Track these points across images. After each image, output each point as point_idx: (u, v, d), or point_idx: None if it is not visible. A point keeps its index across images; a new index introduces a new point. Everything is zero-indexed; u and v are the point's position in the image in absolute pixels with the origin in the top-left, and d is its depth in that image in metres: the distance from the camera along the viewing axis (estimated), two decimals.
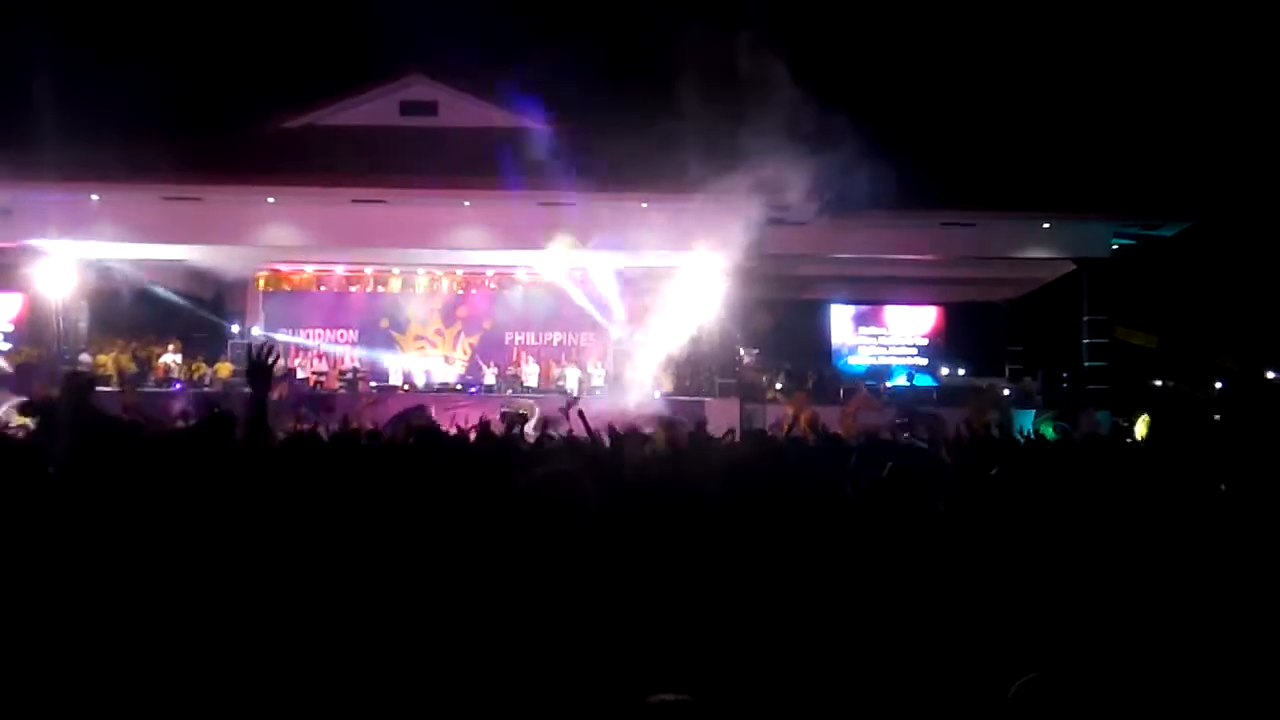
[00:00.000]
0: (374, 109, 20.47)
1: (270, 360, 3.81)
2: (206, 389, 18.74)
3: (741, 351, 19.83)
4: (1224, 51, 26.74)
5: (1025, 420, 17.72)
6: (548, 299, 21.76)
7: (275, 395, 13.76)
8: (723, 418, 15.31)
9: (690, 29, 15.76)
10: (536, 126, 19.63)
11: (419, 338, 21.90)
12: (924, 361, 23.38)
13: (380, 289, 22.16)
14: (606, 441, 6.26)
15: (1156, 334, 22.10)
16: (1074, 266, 19.89)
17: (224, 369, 19.93)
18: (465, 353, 21.77)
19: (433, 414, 17.03)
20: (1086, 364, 19.84)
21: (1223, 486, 5.26)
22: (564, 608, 2.77)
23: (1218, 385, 23.43)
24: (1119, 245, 19.74)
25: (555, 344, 21.84)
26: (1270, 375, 24.90)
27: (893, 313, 23.68)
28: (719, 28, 15.61)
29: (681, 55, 15.82)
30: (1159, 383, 23.84)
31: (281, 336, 21.63)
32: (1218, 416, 16.25)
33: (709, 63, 15.62)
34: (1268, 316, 26.62)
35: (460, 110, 20.30)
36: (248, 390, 3.81)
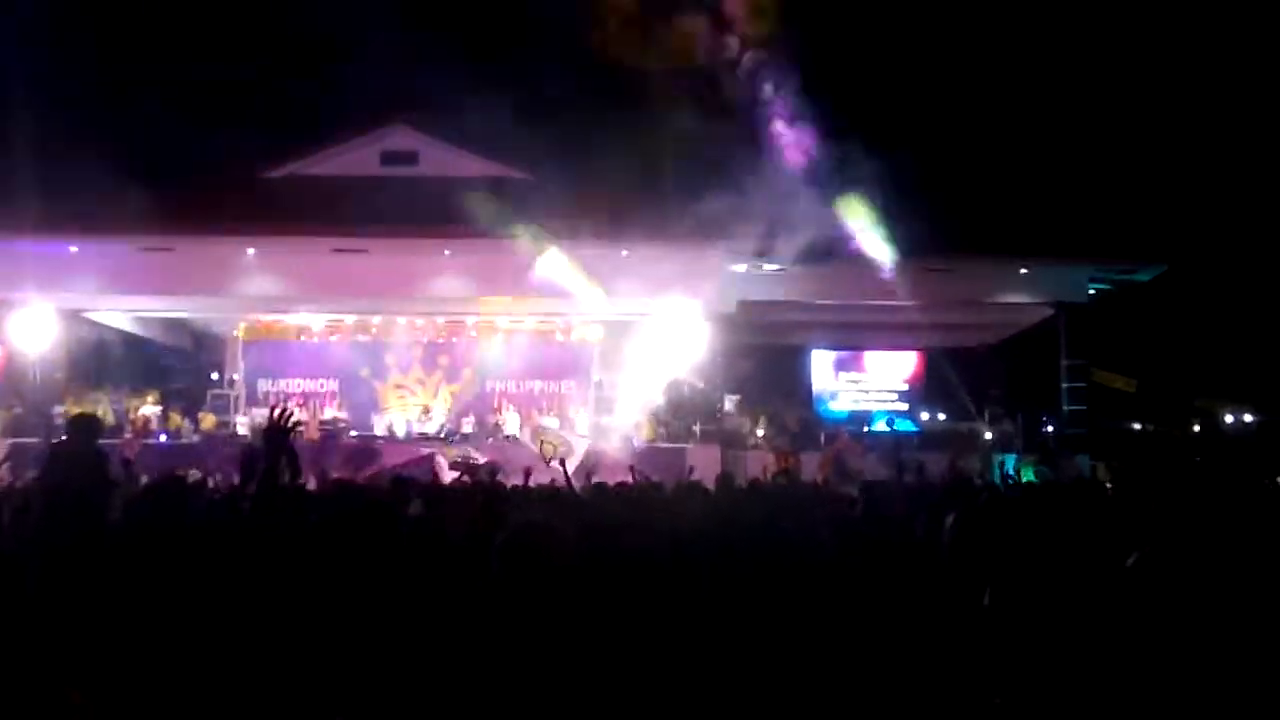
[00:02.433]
0: (354, 159, 20.51)
1: (289, 424, 3.94)
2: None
3: (723, 398, 19.83)
4: (1197, 99, 27.10)
5: (1006, 465, 17.75)
6: (528, 347, 21.78)
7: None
8: (704, 465, 15.26)
9: (668, 78, 15.91)
10: (517, 175, 19.73)
11: (399, 386, 21.81)
12: (904, 406, 23.41)
13: (360, 338, 22.10)
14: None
15: (1135, 378, 22.20)
16: (1052, 311, 20.02)
17: (207, 420, 19.82)
18: (446, 401, 21.69)
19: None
20: (1066, 408, 19.92)
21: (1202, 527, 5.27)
22: (547, 672, 2.74)
23: (1195, 428, 23.57)
24: (1096, 290, 19.90)
25: (536, 392, 21.79)
26: (1247, 418, 25.06)
27: (873, 358, 23.74)
28: (697, 76, 15.77)
29: (661, 105, 15.96)
30: (1138, 426, 23.96)
31: (261, 386, 21.63)
32: (1196, 458, 16.32)
33: (688, 112, 15.76)
34: (1243, 359, 26.83)
35: (440, 160, 20.36)
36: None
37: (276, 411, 4.01)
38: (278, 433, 3.93)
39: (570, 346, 22.08)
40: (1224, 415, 25.31)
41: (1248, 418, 25.13)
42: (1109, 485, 11.53)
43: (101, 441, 7.61)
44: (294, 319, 21.82)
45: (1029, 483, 12.78)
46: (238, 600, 3.30)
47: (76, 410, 19.09)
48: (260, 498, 3.84)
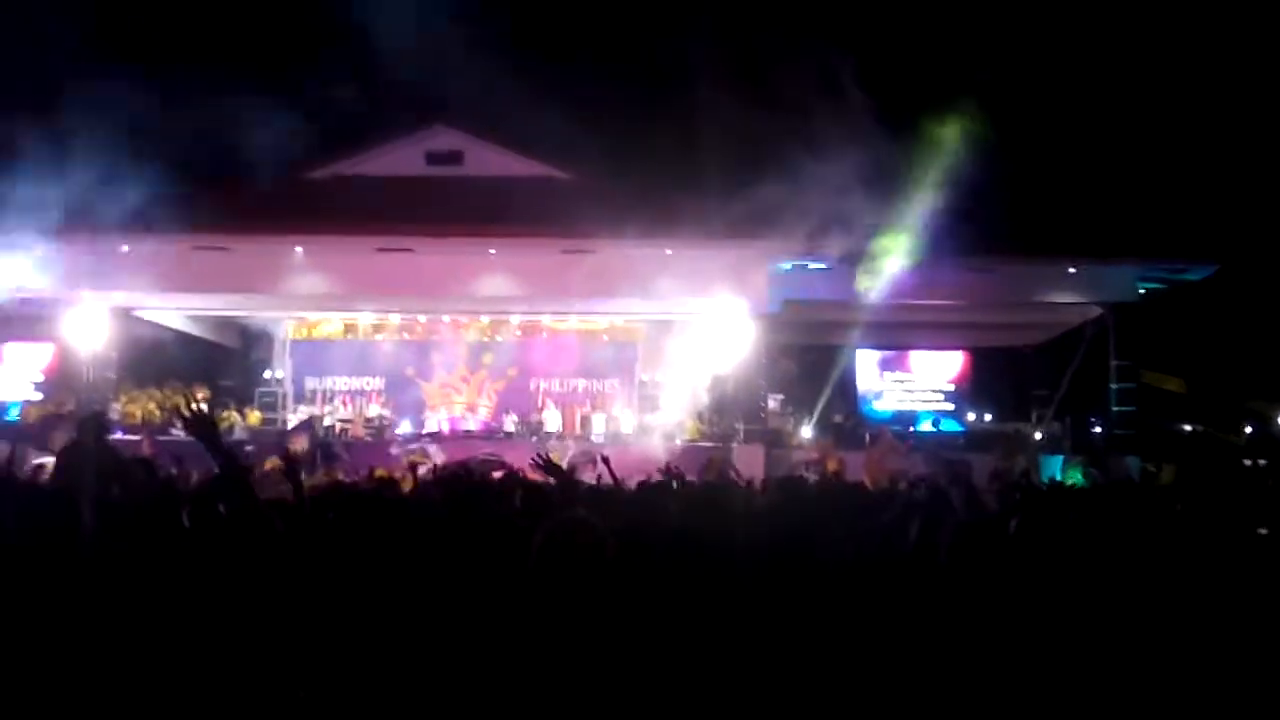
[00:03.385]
0: (400, 159, 20.64)
1: (205, 411, 3.89)
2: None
3: (766, 397, 19.77)
4: (1249, 98, 26.69)
5: (1053, 466, 17.57)
6: (573, 346, 21.87)
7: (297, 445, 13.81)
8: (748, 464, 15.22)
9: (713, 74, 15.90)
10: (561, 174, 19.79)
11: (444, 385, 21.97)
12: (950, 407, 23.22)
13: (406, 336, 22.28)
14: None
15: (1185, 379, 21.88)
16: (1101, 311, 19.78)
17: (254, 417, 20.07)
18: (490, 400, 21.82)
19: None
20: (1114, 409, 19.66)
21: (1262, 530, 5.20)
22: (585, 672, 2.75)
23: (1247, 430, 23.18)
24: (1146, 289, 19.63)
25: (580, 390, 21.86)
26: None
27: (918, 358, 23.56)
28: (740, 73, 15.74)
29: (705, 102, 15.95)
30: (1188, 428, 23.62)
31: (308, 384, 21.89)
32: (1248, 461, 16.07)
33: (732, 109, 15.74)
34: None
35: (485, 159, 20.45)
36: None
37: (189, 403, 3.93)
38: (201, 426, 3.88)
39: (615, 345, 22.13)
40: (1277, 417, 24.86)
41: None
42: (1168, 487, 11.35)
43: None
44: (341, 317, 22.03)
45: (1076, 485, 12.63)
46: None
47: (129, 406, 19.51)
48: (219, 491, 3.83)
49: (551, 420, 20.55)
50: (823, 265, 18.31)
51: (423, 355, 22.20)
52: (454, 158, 20.64)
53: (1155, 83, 25.84)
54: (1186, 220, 19.36)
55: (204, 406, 3.92)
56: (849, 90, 15.85)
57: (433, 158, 20.70)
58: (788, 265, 18.57)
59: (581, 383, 21.96)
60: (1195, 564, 4.44)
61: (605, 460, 7.77)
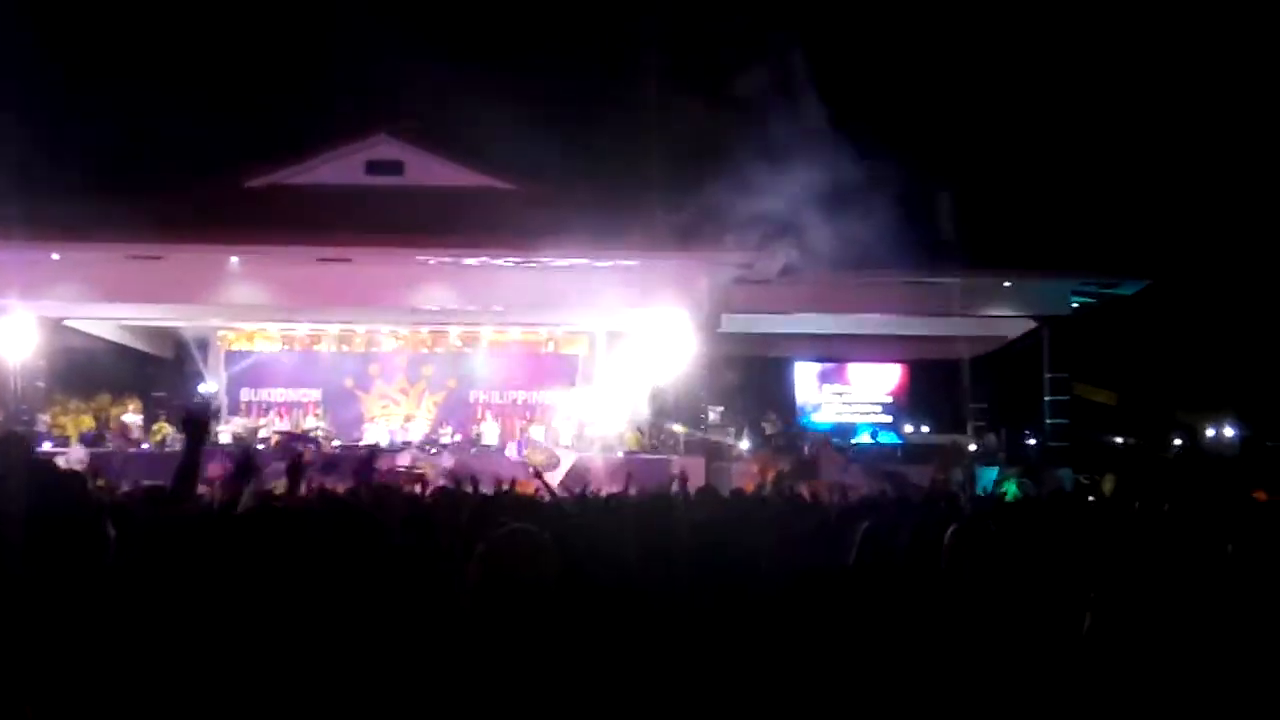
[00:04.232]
0: (340, 168, 20.45)
1: (210, 414, 3.87)
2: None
3: (707, 409, 19.82)
4: (1178, 114, 27.28)
5: (989, 478, 17.80)
6: (513, 358, 21.79)
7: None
8: (689, 476, 15.24)
9: (657, 86, 15.95)
10: (503, 185, 19.73)
11: (383, 397, 21.78)
12: (888, 419, 23.46)
13: (345, 348, 22.06)
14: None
15: (1116, 391, 22.29)
16: (1035, 324, 20.09)
17: None
18: (430, 412, 21.67)
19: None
20: (1048, 421, 19.97)
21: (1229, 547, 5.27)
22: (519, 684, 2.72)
23: (1176, 441, 23.67)
24: (1079, 303, 19.97)
25: (520, 403, 21.79)
26: (1228, 432, 25.14)
27: (857, 370, 23.78)
28: (685, 85, 15.79)
29: (648, 113, 15.99)
30: (1119, 440, 24.05)
31: (244, 395, 21.60)
32: (1176, 472, 16.39)
33: (676, 121, 15.79)
34: (1224, 373, 26.97)
35: (427, 170, 20.32)
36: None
37: (194, 404, 3.94)
38: (198, 424, 3.83)
39: (556, 357, 22.10)
40: (1205, 429, 25.43)
41: (1229, 432, 25.26)
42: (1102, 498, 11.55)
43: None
44: (278, 329, 21.78)
45: (1004, 495, 12.80)
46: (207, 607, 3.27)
47: (60, 417, 19.14)
48: (179, 496, 3.78)
49: (490, 432, 20.46)
50: (763, 278, 18.40)
51: (361, 367, 22.01)
52: (395, 168, 20.50)
53: (1088, 101, 26.34)
54: (1118, 235, 19.74)
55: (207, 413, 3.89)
56: (793, 103, 15.98)
57: (373, 167, 20.54)
58: (729, 278, 18.64)
59: (521, 395, 21.89)
60: (1129, 571, 4.51)
61: (538, 474, 7.76)
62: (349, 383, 21.81)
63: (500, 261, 17.99)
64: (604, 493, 8.96)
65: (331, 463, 16.79)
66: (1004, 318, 20.23)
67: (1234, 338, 27.34)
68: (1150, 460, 21.47)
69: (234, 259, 18.12)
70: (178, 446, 18.56)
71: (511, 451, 19.07)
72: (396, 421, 21.22)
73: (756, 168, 15.61)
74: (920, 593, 4.51)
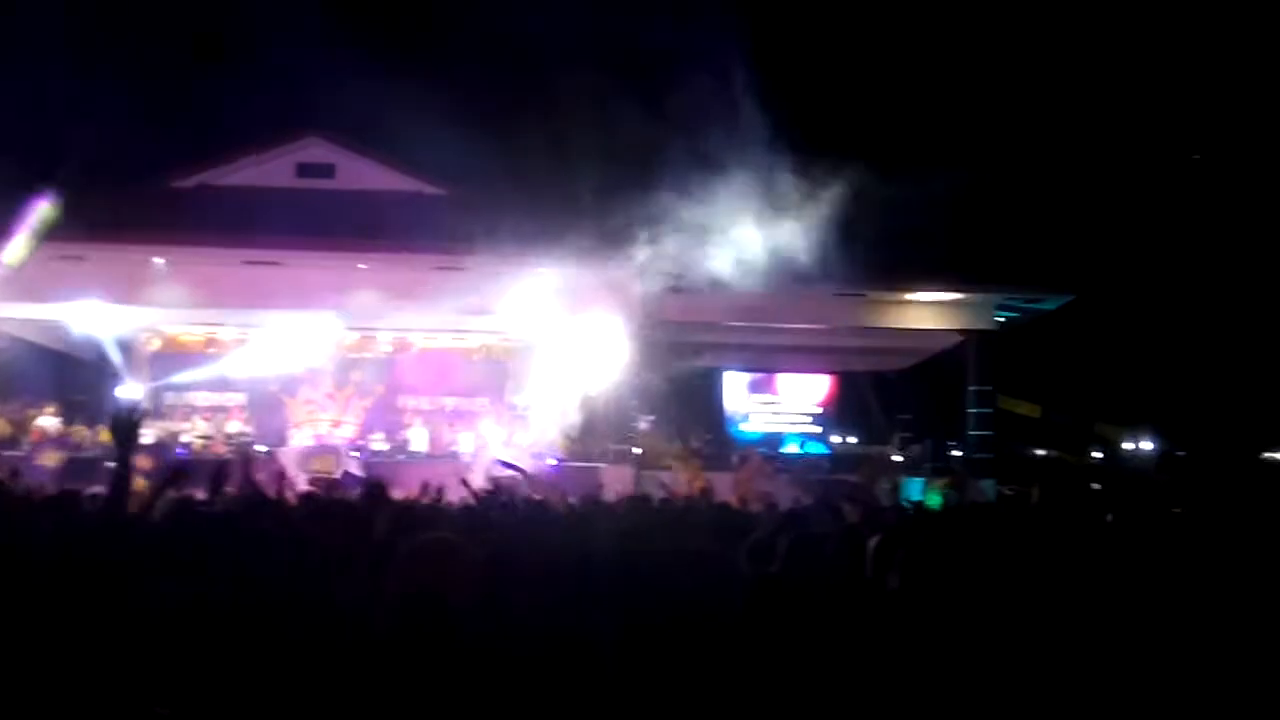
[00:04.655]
0: (269, 169, 20.23)
1: (137, 419, 3.79)
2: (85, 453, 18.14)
3: (637, 418, 19.85)
4: (1100, 130, 27.88)
5: (914, 488, 18.02)
6: (443, 363, 21.63)
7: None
8: (617, 485, 15.29)
9: (590, 91, 15.94)
10: (435, 189, 19.61)
11: (309, 401, 21.49)
12: (817, 429, 23.68)
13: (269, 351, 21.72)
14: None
15: (1039, 404, 22.70)
16: (961, 338, 20.39)
17: (106, 434, 19.34)
18: (357, 417, 21.42)
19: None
20: (972, 433, 20.26)
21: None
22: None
23: (1095, 454, 24.16)
24: (1004, 318, 20.30)
25: (449, 409, 21.64)
26: (1146, 445, 25.73)
27: (786, 381, 23.98)
28: (617, 94, 15.80)
29: (582, 119, 15.97)
30: (1041, 451, 24.51)
31: (167, 399, 21.21)
32: (1095, 485, 16.74)
33: (609, 127, 15.79)
34: (1142, 387, 27.61)
35: (358, 173, 20.18)
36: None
37: (122, 410, 3.85)
38: (126, 431, 3.78)
39: (486, 363, 21.98)
40: (1123, 443, 25.99)
41: (1146, 445, 25.85)
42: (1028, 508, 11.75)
43: None
44: (203, 331, 21.41)
45: (929, 505, 12.95)
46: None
47: None
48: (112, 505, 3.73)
49: (418, 439, 20.31)
50: (694, 287, 18.45)
51: (287, 371, 21.67)
52: (325, 170, 20.32)
53: (1012, 119, 26.82)
54: (1041, 252, 20.10)
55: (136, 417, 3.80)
56: (727, 113, 16.07)
57: (303, 169, 20.34)
58: (659, 287, 18.67)
59: (451, 401, 21.74)
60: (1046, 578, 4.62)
61: (465, 482, 7.72)
62: (274, 386, 21.48)
63: (430, 267, 17.88)
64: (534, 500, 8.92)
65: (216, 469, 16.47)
66: (930, 331, 20.51)
67: (1151, 353, 28.02)
68: (1068, 471, 21.87)
69: (159, 260, 17.82)
70: (97, 451, 18.32)
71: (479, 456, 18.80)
72: (323, 427, 20.95)
73: (690, 177, 15.71)
74: (845, 600, 4.57)
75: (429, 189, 19.73)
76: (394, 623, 2.80)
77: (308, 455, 18.64)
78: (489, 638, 2.87)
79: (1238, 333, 28.61)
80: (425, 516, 5.65)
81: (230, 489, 6.77)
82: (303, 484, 14.30)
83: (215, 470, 6.57)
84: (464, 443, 19.89)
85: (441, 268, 17.80)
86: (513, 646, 2.97)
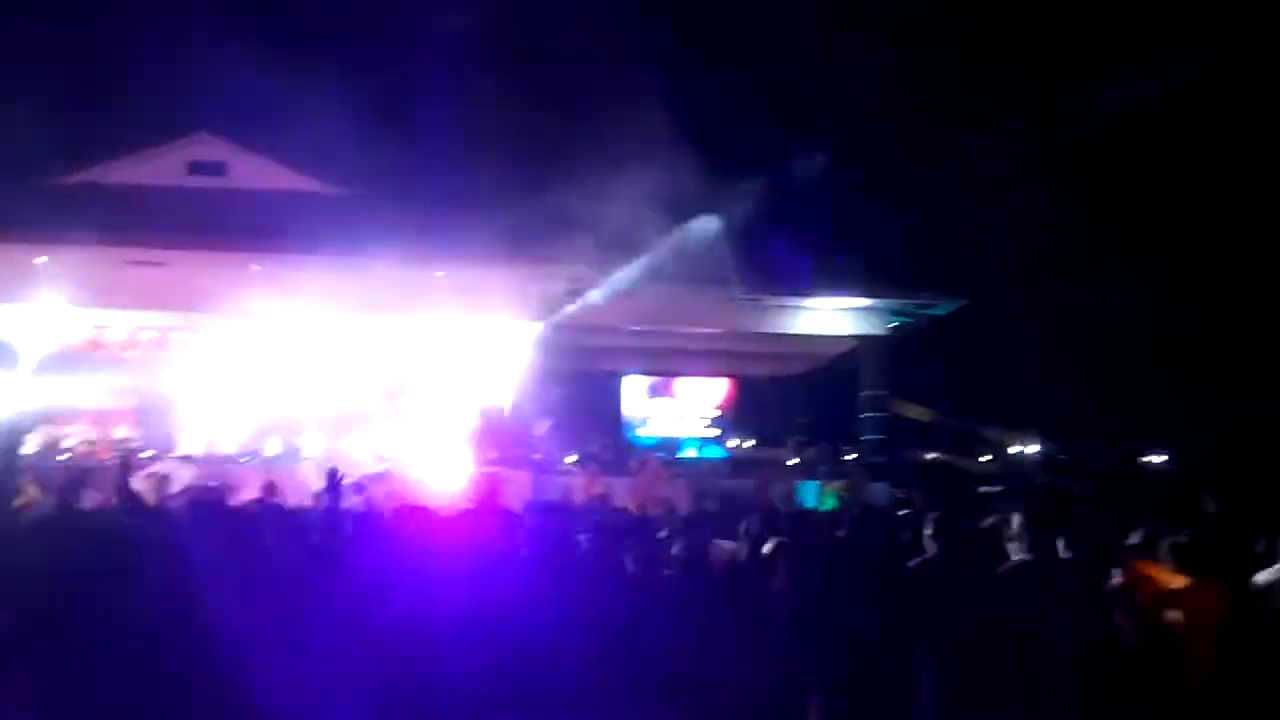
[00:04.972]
0: (158, 167, 19.71)
1: (27, 424, 3.72)
2: None
3: (535, 423, 19.78)
4: (992, 144, 28.53)
5: (810, 491, 18.24)
6: (335, 366, 21.24)
7: None
8: (515, 492, 15.17)
9: (491, 92, 15.87)
10: (331, 189, 19.30)
11: (199, 406, 20.95)
12: (715, 433, 23.82)
13: (159, 354, 21.13)
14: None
15: (931, 409, 23.14)
16: (856, 343, 20.70)
17: None
18: (251, 422, 20.93)
19: None
20: (866, 437, 20.58)
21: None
22: None
23: (986, 458, 24.73)
24: (897, 323, 20.65)
25: (343, 414, 21.27)
26: (1033, 449, 26.40)
27: (685, 385, 24.08)
28: (519, 92, 15.76)
29: (483, 119, 15.88)
30: (933, 456, 25.00)
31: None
32: (984, 488, 17.10)
33: (510, 128, 15.73)
34: (1034, 392, 28.35)
35: (250, 171, 19.77)
36: None
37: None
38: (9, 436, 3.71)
39: (381, 367, 21.65)
40: (1011, 447, 26.63)
41: (1033, 448, 26.51)
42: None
43: None
44: (89, 333, 20.74)
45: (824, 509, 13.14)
46: None
47: None
48: None
49: (312, 443, 19.95)
50: (595, 291, 18.47)
51: (171, 375, 21.07)
52: (216, 168, 19.87)
53: (906, 128, 27.35)
54: (934, 259, 20.53)
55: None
56: (631, 116, 16.11)
57: (194, 167, 19.87)
58: (559, 290, 18.65)
59: (344, 404, 21.36)
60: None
61: (361, 488, 7.64)
62: (163, 391, 20.89)
63: (325, 268, 17.58)
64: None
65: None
66: (826, 336, 20.78)
67: (1038, 357, 28.80)
68: (958, 475, 22.35)
69: (39, 259, 17.25)
70: None
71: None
72: (214, 433, 20.45)
73: (592, 178, 15.71)
74: (744, 600, 4.62)
75: (325, 188, 19.40)
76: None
77: (194, 462, 18.18)
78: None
79: (1120, 338, 29.59)
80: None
81: (102, 496, 6.62)
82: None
83: (71, 479, 6.43)
84: (358, 448, 19.58)
85: (336, 269, 17.51)
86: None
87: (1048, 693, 3.64)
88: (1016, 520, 6.34)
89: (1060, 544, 6.21)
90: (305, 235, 16.80)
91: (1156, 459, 31.50)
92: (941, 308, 20.59)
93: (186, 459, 18.41)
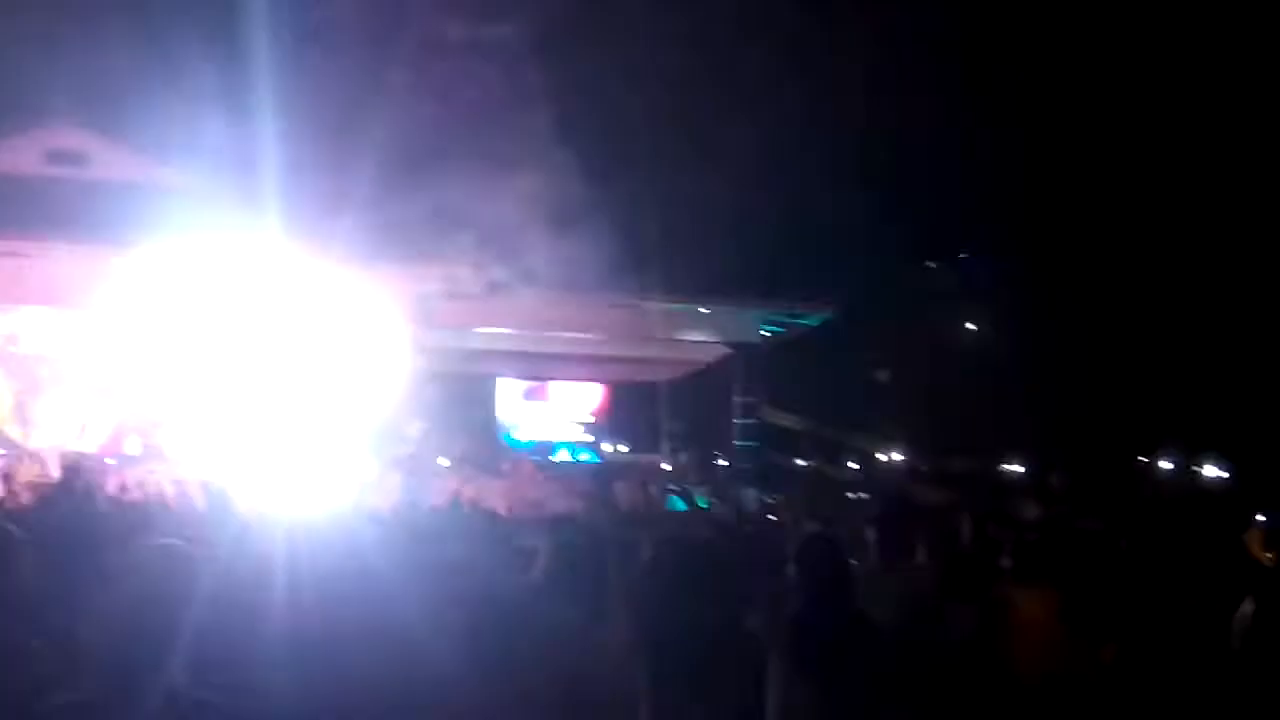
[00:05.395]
0: (15, 156, 18.94)
1: None
2: None
3: (407, 424, 19.54)
4: (867, 150, 29.18)
5: (680, 497, 18.41)
6: (198, 364, 20.67)
7: None
8: (385, 493, 14.97)
9: (365, 92, 15.63)
10: (194, 181, 18.77)
11: (57, 403, 20.21)
12: (589, 438, 23.87)
13: (12, 350, 20.32)
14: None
15: (801, 416, 23.55)
16: (729, 351, 20.95)
17: None
18: (110, 420, 20.27)
19: None
20: (737, 443, 20.85)
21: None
22: None
23: (852, 465, 25.28)
24: (769, 331, 20.96)
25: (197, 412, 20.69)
26: (896, 457, 27.08)
27: (559, 389, 24.08)
28: (393, 90, 15.54)
29: (353, 110, 15.62)
30: (802, 462, 25.46)
31: None
32: (852, 495, 17.50)
33: (383, 125, 15.50)
34: (903, 401, 29.07)
35: (113, 161, 19.13)
36: None
37: None
38: None
39: (250, 365, 21.15)
40: (877, 454, 27.27)
41: (898, 457, 27.21)
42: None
43: None
44: None
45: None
46: None
47: None
48: None
49: (173, 443, 19.40)
50: (469, 294, 18.33)
51: (28, 372, 20.30)
52: (77, 158, 19.19)
53: (775, 135, 27.75)
54: (805, 268, 20.87)
55: None
56: (505, 116, 16.03)
57: (53, 156, 19.15)
58: (433, 291, 18.46)
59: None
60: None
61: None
62: (16, 388, 20.11)
63: (191, 261, 17.12)
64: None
65: None
66: (699, 343, 20.99)
67: (906, 367, 29.53)
68: (826, 482, 22.82)
69: None
70: None
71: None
72: (73, 430, 19.73)
73: (466, 181, 15.59)
74: (611, 605, 4.64)
75: (190, 179, 18.86)
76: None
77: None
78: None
79: (983, 350, 30.52)
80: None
81: None
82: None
83: None
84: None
85: (203, 262, 17.07)
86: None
87: (876, 695, 3.76)
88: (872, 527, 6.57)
89: (918, 550, 6.44)
90: (168, 227, 16.32)
91: (1014, 468, 32.64)
92: (813, 317, 20.97)
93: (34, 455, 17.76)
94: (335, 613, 4.03)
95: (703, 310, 20.20)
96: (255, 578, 4.09)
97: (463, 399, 21.75)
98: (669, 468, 21.29)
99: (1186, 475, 29.29)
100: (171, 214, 16.13)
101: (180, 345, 20.59)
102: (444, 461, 19.95)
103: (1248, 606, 4.30)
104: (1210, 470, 28.82)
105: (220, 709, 2.52)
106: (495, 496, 16.88)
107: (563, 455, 22.53)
